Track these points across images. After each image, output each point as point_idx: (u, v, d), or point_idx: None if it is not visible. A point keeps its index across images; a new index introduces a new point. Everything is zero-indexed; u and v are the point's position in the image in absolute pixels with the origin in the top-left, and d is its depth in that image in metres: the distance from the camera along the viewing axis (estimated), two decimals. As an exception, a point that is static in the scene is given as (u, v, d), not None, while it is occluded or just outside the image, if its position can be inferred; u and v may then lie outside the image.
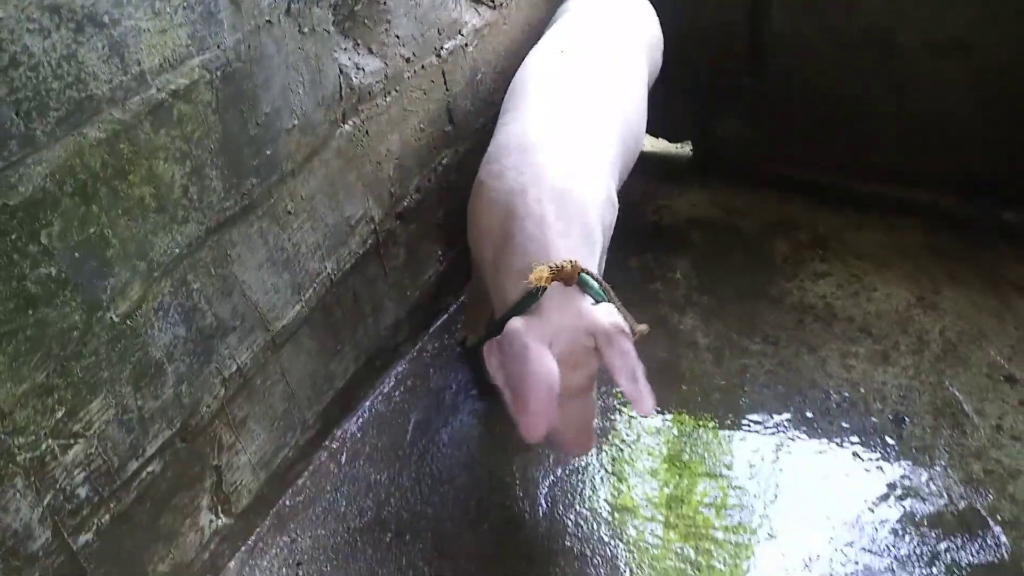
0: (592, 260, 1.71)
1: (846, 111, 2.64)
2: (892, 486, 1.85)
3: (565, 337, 1.52)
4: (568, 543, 1.78)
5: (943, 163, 2.59)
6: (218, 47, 1.41)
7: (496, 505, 1.87)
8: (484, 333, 2.00)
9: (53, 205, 1.20)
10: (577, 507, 1.86)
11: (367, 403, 2.14)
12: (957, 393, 2.06)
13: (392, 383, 2.20)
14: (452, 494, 1.90)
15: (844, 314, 2.32)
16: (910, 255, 2.52)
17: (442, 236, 2.30)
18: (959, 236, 2.56)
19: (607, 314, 1.54)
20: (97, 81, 1.21)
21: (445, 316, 2.42)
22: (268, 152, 1.59)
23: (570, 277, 1.53)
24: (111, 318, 1.34)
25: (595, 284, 1.58)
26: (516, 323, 1.53)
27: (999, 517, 1.77)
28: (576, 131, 1.85)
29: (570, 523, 1.83)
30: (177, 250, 1.43)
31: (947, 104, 2.48)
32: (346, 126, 1.80)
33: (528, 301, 1.55)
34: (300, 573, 1.77)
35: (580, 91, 1.96)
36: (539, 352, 1.48)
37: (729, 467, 1.92)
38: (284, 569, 1.78)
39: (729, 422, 2.03)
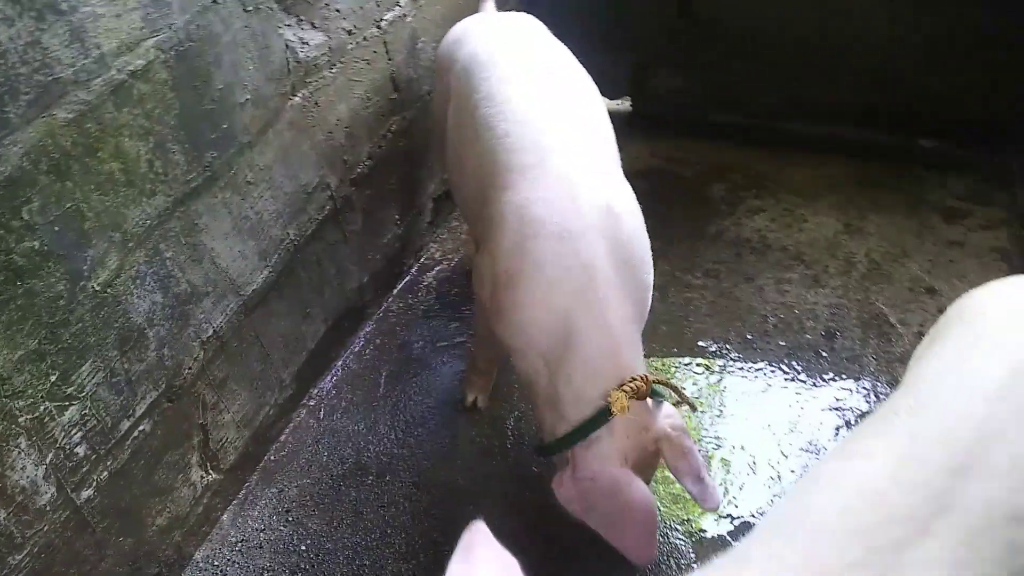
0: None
1: (774, 55, 2.79)
2: (826, 394, 2.03)
3: (637, 451, 1.44)
4: (535, 469, 1.93)
5: (865, 98, 2.76)
6: (169, 28, 1.50)
7: (468, 441, 2.01)
8: (538, 450, 1.65)
9: (31, 183, 1.30)
10: (542, 437, 2.01)
11: (339, 362, 2.26)
12: (883, 307, 2.25)
13: (361, 342, 2.33)
14: (426, 435, 2.04)
15: (778, 245, 2.50)
16: (837, 186, 2.70)
17: (397, 201, 2.42)
18: (882, 166, 2.75)
19: (668, 417, 1.47)
20: (61, 65, 1.31)
21: (407, 278, 2.54)
22: (225, 126, 1.69)
23: (645, 394, 1.45)
24: (93, 287, 1.44)
25: (663, 390, 1.49)
26: (594, 463, 1.42)
27: (922, 412, 1.95)
28: (601, 188, 1.61)
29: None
30: (148, 221, 1.54)
31: (866, 41, 2.65)
32: (296, 98, 1.91)
33: (599, 421, 1.43)
34: (290, 519, 1.89)
35: (583, 137, 1.70)
36: (631, 484, 1.39)
37: (679, 390, 2.09)
38: (275, 517, 1.90)
39: (676, 351, 2.20)
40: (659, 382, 1.48)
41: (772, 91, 2.88)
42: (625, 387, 1.42)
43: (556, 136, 1.63)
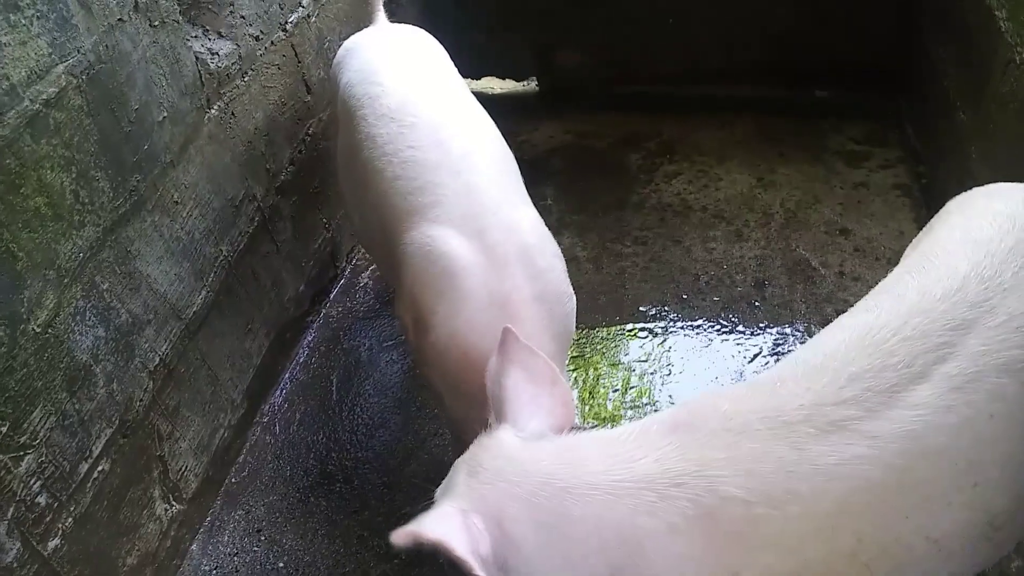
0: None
1: (674, 23, 2.87)
2: (765, 341, 2.13)
3: None
4: (502, 452, 1.96)
5: (763, 58, 2.88)
6: (78, 51, 1.44)
7: (431, 434, 2.02)
8: None
9: (-45, 228, 1.23)
10: (503, 420, 2.04)
11: (286, 375, 2.22)
12: (803, 252, 2.37)
13: (306, 352, 2.29)
14: (388, 436, 2.04)
15: (698, 205, 2.59)
16: (745, 143, 2.82)
17: (324, 204, 2.39)
18: (784, 120, 2.89)
19: None
20: (-29, 101, 1.24)
21: (342, 281, 2.52)
22: (146, 147, 1.63)
23: None
24: (33, 329, 1.37)
25: None
26: None
27: (853, 346, 2.08)
28: (507, 219, 1.49)
29: (500, 435, 2.01)
30: (81, 254, 1.48)
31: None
32: (212, 111, 1.86)
33: None
34: (263, 538, 1.86)
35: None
36: None
37: (626, 355, 2.15)
38: (246, 539, 1.87)
39: (618, 318, 2.26)
40: None
41: (672, 59, 2.97)
42: None
43: (451, 171, 1.51)
